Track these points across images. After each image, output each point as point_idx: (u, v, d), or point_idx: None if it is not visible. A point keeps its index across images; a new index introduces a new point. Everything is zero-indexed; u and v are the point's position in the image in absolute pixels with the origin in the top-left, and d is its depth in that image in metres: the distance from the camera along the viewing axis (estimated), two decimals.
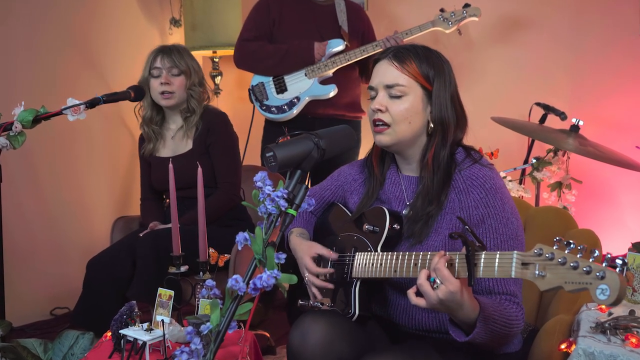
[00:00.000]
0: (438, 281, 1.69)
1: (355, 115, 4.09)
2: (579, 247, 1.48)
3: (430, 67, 2.03)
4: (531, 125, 3.77)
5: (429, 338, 2.03)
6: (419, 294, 1.75)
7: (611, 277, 1.39)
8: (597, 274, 1.41)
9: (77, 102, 2.60)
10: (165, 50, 3.35)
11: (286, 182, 1.67)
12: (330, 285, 2.10)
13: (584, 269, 1.43)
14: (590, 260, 1.45)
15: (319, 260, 2.16)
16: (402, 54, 2.04)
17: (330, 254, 2.12)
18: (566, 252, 1.49)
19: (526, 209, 2.58)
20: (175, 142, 3.43)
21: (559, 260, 1.47)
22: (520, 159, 4.00)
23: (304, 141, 1.72)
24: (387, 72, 2.04)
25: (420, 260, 1.83)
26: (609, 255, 1.47)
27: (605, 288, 1.39)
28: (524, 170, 3.91)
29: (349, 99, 4.04)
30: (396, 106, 2.02)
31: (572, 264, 1.45)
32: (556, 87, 4.23)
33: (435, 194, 2.01)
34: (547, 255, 1.50)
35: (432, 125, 2.03)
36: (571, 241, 1.50)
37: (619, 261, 1.46)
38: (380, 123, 2.04)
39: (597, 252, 1.46)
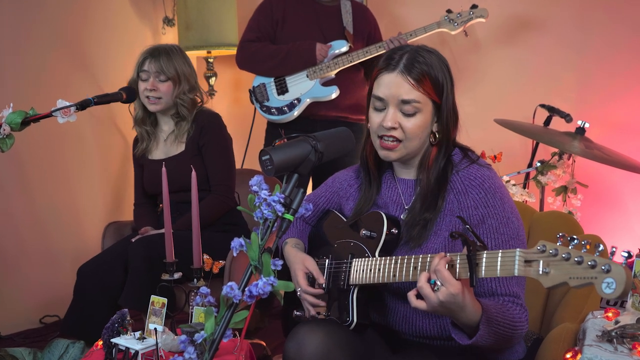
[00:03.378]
0: (439, 283, 1.70)
1: (359, 118, 4.09)
2: (582, 242, 1.49)
3: (442, 80, 2.02)
4: (535, 127, 3.77)
5: (430, 345, 2.04)
6: (419, 296, 1.76)
7: (617, 270, 1.41)
8: (602, 267, 1.42)
9: (68, 103, 2.60)
10: (154, 54, 3.32)
11: (283, 186, 1.67)
12: (323, 303, 2.11)
13: (589, 263, 1.44)
14: (595, 254, 1.46)
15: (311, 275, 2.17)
16: (417, 69, 1.99)
17: (319, 277, 2.13)
18: (570, 247, 1.50)
19: (530, 213, 2.59)
20: (168, 144, 3.43)
21: (563, 255, 1.49)
22: (524, 162, 4.01)
23: (301, 144, 1.72)
24: (401, 87, 2.00)
25: (420, 263, 1.84)
26: (614, 249, 1.48)
27: (611, 281, 1.41)
28: (528, 174, 3.91)
29: (352, 101, 4.04)
30: (409, 123, 2.00)
31: (576, 259, 1.46)
32: (561, 88, 4.23)
33: (432, 198, 2.02)
34: (550, 252, 1.51)
35: (438, 137, 2.04)
36: (575, 236, 1.51)
37: (624, 254, 1.47)
38: (392, 139, 2.03)
39: (601, 246, 1.47)
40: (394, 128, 2.01)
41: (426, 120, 2.02)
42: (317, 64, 3.91)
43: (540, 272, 1.52)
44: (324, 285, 2.13)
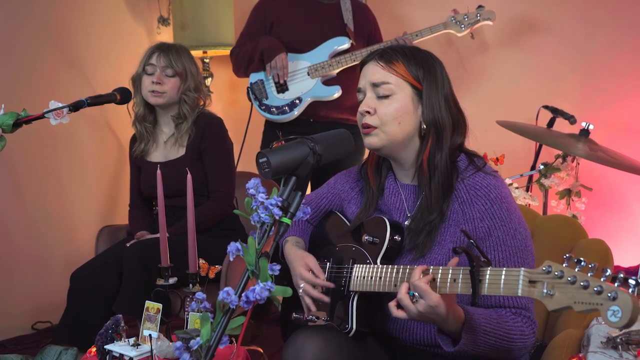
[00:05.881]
0: (417, 295, 1.73)
1: None
2: (589, 266, 1.46)
3: (419, 66, 2.04)
4: (538, 129, 3.77)
5: (429, 353, 2.04)
6: (400, 306, 1.78)
7: (623, 298, 1.38)
8: (609, 294, 1.39)
9: (60, 105, 2.59)
10: (163, 48, 3.35)
11: (280, 189, 1.66)
12: (327, 298, 2.10)
13: (595, 288, 1.41)
14: (602, 279, 1.43)
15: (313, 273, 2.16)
16: (388, 54, 2.06)
17: (321, 275, 2.12)
18: (576, 270, 1.47)
19: (533, 217, 2.59)
20: (167, 147, 3.43)
21: (569, 278, 1.46)
22: (527, 165, 4.01)
23: (299, 146, 1.72)
24: (374, 72, 2.05)
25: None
26: (622, 275, 1.45)
27: (617, 310, 1.37)
28: (531, 177, 3.91)
29: (353, 102, 3.98)
30: (384, 107, 2.03)
31: (582, 283, 1.43)
32: (565, 89, 4.24)
33: (436, 203, 2.01)
34: (556, 273, 1.49)
35: (424, 127, 2.04)
36: (582, 259, 1.48)
37: (631, 281, 1.45)
38: (368, 126, 2.05)
39: (609, 271, 1.44)
40: (368, 112, 2.04)
41: (404, 104, 2.03)
42: (268, 65, 3.89)
43: (545, 294, 1.49)
44: (332, 285, 2.12)
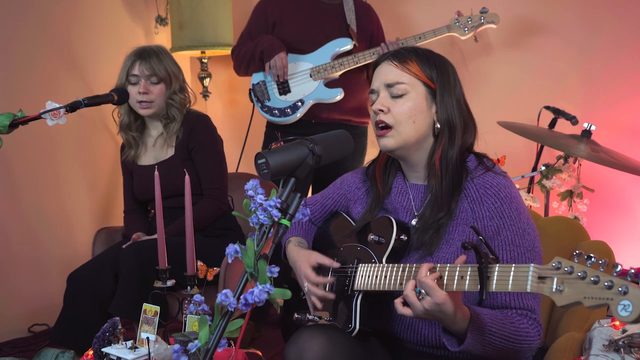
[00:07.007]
0: (423, 292, 1.73)
1: (362, 121, 4.09)
2: (600, 262, 1.46)
3: (432, 66, 2.07)
4: (540, 130, 3.77)
5: (433, 355, 2.04)
6: (406, 303, 1.79)
7: (634, 292, 1.37)
8: (620, 289, 1.39)
9: (57, 105, 2.60)
10: (143, 56, 3.33)
11: (279, 190, 1.67)
12: (332, 295, 2.11)
13: (605, 283, 1.41)
14: (613, 274, 1.43)
15: (319, 270, 2.16)
16: (402, 54, 2.08)
17: (332, 263, 2.13)
18: (586, 265, 1.48)
19: (535, 219, 2.57)
20: (157, 149, 3.43)
21: (579, 274, 1.46)
22: (528, 166, 4.01)
23: (298, 147, 1.72)
24: (387, 72, 2.07)
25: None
26: (632, 270, 1.46)
27: (628, 304, 1.37)
28: (532, 178, 3.91)
29: (355, 103, 4.03)
30: (398, 106, 2.04)
31: (592, 278, 1.43)
32: (567, 89, 4.23)
33: (445, 200, 2.02)
34: (565, 269, 1.49)
35: (438, 125, 2.05)
36: (592, 255, 1.48)
37: None
38: (383, 125, 2.06)
39: (619, 266, 1.44)
40: (382, 111, 2.06)
41: (418, 103, 2.05)
42: (269, 61, 3.88)
43: (554, 290, 1.49)
44: (333, 281, 2.14)
